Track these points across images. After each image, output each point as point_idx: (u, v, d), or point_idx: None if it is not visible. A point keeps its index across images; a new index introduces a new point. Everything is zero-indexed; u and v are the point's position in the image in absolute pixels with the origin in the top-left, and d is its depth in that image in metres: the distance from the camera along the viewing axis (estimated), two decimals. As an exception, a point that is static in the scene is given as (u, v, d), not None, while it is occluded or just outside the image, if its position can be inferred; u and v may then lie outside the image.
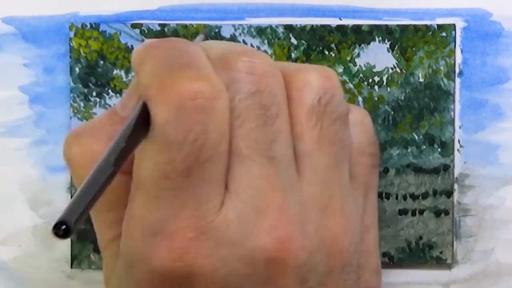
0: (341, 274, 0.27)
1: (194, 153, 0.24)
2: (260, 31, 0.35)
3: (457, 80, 0.35)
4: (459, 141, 0.35)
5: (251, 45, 0.35)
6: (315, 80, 0.26)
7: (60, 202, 0.35)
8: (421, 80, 0.35)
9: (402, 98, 0.35)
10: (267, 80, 0.25)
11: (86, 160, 0.26)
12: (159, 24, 0.35)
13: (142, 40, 0.35)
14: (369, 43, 0.35)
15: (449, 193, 0.35)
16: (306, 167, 0.26)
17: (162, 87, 0.24)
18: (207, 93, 0.24)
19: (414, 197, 0.35)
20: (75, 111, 0.35)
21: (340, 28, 0.35)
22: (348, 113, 0.28)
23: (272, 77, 0.25)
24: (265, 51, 0.35)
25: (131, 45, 0.35)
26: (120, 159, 0.23)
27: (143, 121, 0.24)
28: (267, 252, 0.25)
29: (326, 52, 0.35)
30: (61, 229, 0.21)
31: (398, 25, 0.35)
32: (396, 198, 0.35)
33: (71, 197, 0.35)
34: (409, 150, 0.35)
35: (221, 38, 0.35)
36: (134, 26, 0.35)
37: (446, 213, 0.35)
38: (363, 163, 0.29)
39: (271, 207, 0.25)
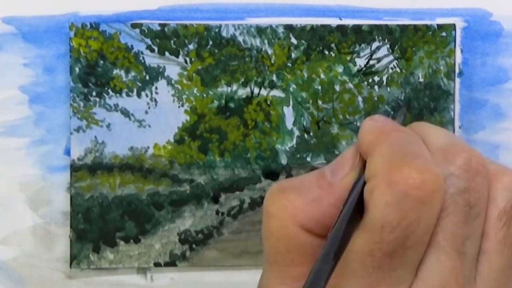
0: None
1: (402, 239, 0.25)
2: (260, 31, 0.35)
3: (457, 80, 0.35)
4: (459, 141, 0.35)
5: (251, 45, 0.35)
6: None
7: (59, 202, 0.35)
8: (421, 80, 0.35)
9: (402, 98, 0.35)
10: (478, 180, 0.26)
11: (285, 215, 0.27)
12: (159, 24, 0.35)
13: (142, 40, 0.35)
14: (369, 43, 0.35)
15: (449, 193, 0.35)
16: (484, 264, 0.27)
17: (391, 170, 0.25)
18: (430, 186, 0.25)
19: (414, 197, 0.35)
20: (75, 111, 0.35)
21: (340, 28, 0.35)
22: None
23: (482, 178, 0.27)
24: (265, 51, 0.35)
25: (131, 45, 0.35)
26: (340, 250, 0.25)
27: (359, 207, 0.26)
28: None
29: (326, 52, 0.35)
30: None
31: (398, 25, 0.35)
32: (396, 198, 0.35)
33: (71, 198, 0.35)
34: (409, 150, 0.35)
35: (221, 38, 0.35)
36: (134, 26, 0.35)
37: (446, 213, 0.35)
38: None
39: None
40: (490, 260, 0.27)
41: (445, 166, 0.26)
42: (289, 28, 0.35)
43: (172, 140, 0.35)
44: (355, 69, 0.35)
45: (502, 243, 0.27)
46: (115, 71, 0.35)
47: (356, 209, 0.26)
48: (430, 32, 0.35)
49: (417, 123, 0.30)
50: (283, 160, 0.35)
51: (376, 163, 0.26)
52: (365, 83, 0.35)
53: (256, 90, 0.35)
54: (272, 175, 0.35)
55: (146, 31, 0.35)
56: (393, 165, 0.26)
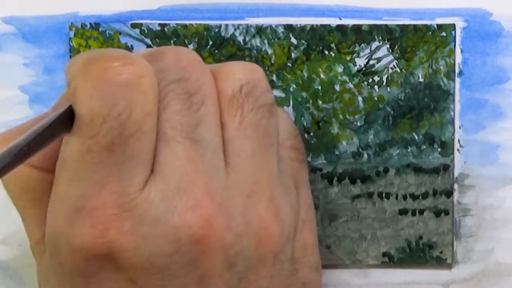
0: (273, 263, 0.27)
1: (117, 128, 0.24)
2: (260, 31, 0.35)
3: (457, 80, 0.35)
4: (459, 141, 0.35)
5: (251, 44, 0.35)
6: (238, 71, 0.27)
7: (60, 202, 0.35)
8: (421, 80, 0.35)
9: (402, 98, 0.35)
10: (192, 70, 0.26)
11: None
12: (159, 24, 0.35)
13: (142, 40, 0.35)
14: (369, 43, 0.35)
15: (449, 193, 0.35)
16: (230, 154, 0.27)
17: (88, 65, 0.24)
18: (134, 70, 0.24)
19: (414, 197, 0.35)
20: (75, 111, 0.35)
21: (340, 28, 0.35)
22: (274, 103, 0.28)
23: (197, 68, 0.26)
24: (265, 51, 0.35)
25: (131, 45, 0.35)
26: (30, 147, 0.23)
27: (65, 118, 0.24)
28: (191, 230, 0.25)
29: (326, 52, 0.35)
30: None
31: (398, 25, 0.35)
32: (396, 198, 0.35)
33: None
34: (409, 150, 0.35)
35: (221, 38, 0.35)
36: (134, 26, 0.35)
37: (446, 213, 0.35)
38: (287, 157, 0.29)
39: (195, 187, 0.25)
40: (236, 147, 0.27)
41: (153, 65, 0.26)
42: (289, 28, 0.35)
43: (172, 140, 0.35)
44: (355, 69, 0.35)
45: (242, 128, 0.27)
46: (115, 71, 0.35)
47: (62, 119, 0.24)
48: (430, 32, 0.35)
49: None
50: (283, 160, 0.35)
51: (73, 68, 0.25)
52: (365, 83, 0.35)
53: (256, 90, 0.35)
54: (272, 175, 0.35)
55: (146, 31, 0.35)
56: (90, 61, 0.25)
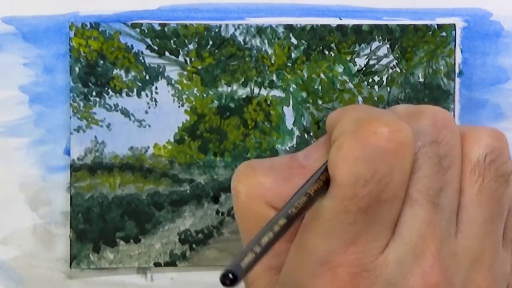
0: None
1: (376, 193, 0.25)
2: (260, 31, 0.35)
3: (457, 80, 0.35)
4: (459, 141, 0.35)
5: (251, 44, 0.35)
6: (486, 138, 0.28)
7: (59, 202, 0.35)
8: (421, 80, 0.35)
9: (402, 98, 0.35)
10: (446, 133, 0.27)
11: (253, 192, 0.27)
12: (159, 24, 0.35)
13: (142, 40, 0.35)
14: (369, 43, 0.35)
15: (449, 193, 0.35)
16: (463, 219, 0.27)
17: (359, 126, 0.25)
18: (401, 138, 0.25)
19: (414, 197, 0.35)
20: (75, 110, 0.35)
21: (340, 28, 0.35)
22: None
23: (450, 131, 0.27)
24: (265, 51, 0.35)
25: (131, 45, 0.35)
26: (299, 213, 0.24)
27: (325, 180, 0.25)
28: None
29: (326, 52, 0.35)
30: (228, 278, 0.22)
31: (398, 25, 0.35)
32: (396, 198, 0.35)
33: (71, 198, 0.35)
34: (409, 150, 0.35)
35: (221, 38, 0.35)
36: (134, 26, 0.35)
37: (446, 213, 0.35)
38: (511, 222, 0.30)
39: (428, 253, 0.26)
40: (469, 213, 0.27)
41: (410, 124, 0.26)
42: (289, 28, 0.35)
43: (172, 140, 0.35)
44: (355, 69, 0.35)
45: (479, 195, 0.27)
46: (115, 71, 0.35)
47: (319, 183, 0.25)
48: (430, 32, 0.35)
49: None
50: (283, 160, 0.35)
51: (342, 125, 0.26)
52: (365, 83, 0.35)
53: (256, 90, 0.35)
54: (272, 175, 0.35)
55: (146, 31, 0.35)
56: (360, 122, 0.25)
